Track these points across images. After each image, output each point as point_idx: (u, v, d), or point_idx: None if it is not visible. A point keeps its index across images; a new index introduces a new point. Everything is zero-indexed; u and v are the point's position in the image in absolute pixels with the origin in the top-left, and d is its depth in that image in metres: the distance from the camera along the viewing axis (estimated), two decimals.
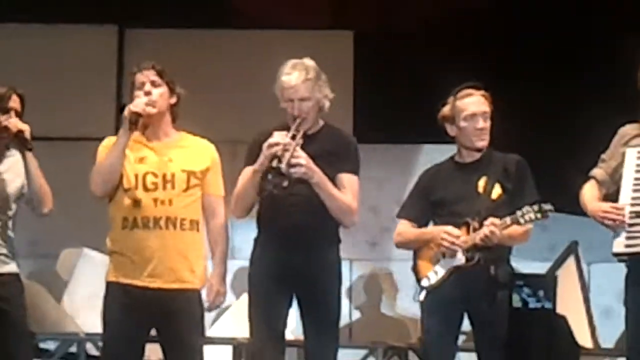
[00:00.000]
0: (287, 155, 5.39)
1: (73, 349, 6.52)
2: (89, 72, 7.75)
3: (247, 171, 5.58)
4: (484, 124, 5.75)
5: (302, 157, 5.43)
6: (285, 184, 5.35)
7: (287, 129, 5.57)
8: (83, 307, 6.50)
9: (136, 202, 5.44)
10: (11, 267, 5.68)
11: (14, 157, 5.76)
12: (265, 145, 5.44)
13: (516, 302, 5.49)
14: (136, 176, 5.48)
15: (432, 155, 6.51)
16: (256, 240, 5.67)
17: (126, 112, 5.43)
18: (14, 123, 5.61)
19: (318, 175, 5.47)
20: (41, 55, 7.67)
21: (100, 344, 6.43)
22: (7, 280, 5.63)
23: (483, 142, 5.74)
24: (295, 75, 5.56)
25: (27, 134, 5.59)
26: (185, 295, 5.45)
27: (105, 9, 7.86)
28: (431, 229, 5.75)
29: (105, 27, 8.01)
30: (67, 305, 6.61)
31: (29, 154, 5.61)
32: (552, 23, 7.35)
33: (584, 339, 6.72)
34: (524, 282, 5.52)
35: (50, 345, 6.54)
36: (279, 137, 5.44)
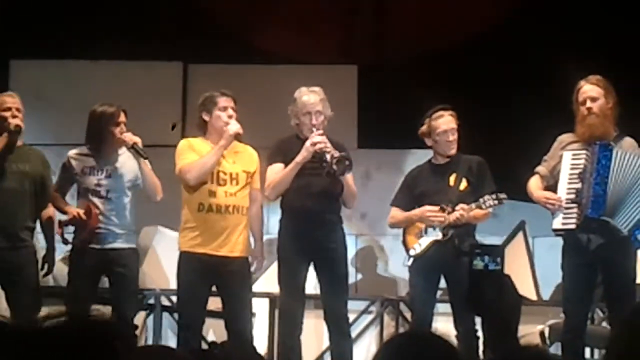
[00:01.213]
0: (329, 149, 5.41)
1: (151, 301, 6.56)
2: (159, 100, 7.70)
3: (279, 166, 5.58)
4: (452, 137, 5.74)
5: (336, 152, 5.50)
6: (347, 163, 5.44)
7: (298, 139, 5.60)
8: (158, 270, 6.50)
9: (212, 193, 5.49)
10: (131, 243, 5.75)
11: (124, 156, 5.75)
12: (309, 142, 5.45)
13: (480, 266, 5.47)
14: (212, 173, 5.51)
15: (417, 157, 6.50)
16: (281, 220, 5.68)
17: (232, 132, 5.47)
18: (129, 137, 5.62)
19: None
20: (120, 86, 7.59)
21: (171, 297, 6.46)
22: (128, 254, 5.69)
23: (453, 151, 5.77)
24: (314, 95, 5.61)
25: (140, 145, 5.61)
26: (240, 261, 5.53)
27: (172, 48, 7.82)
28: (416, 211, 5.74)
29: (173, 64, 7.96)
30: (146, 269, 6.60)
31: (142, 160, 5.62)
32: (513, 56, 7.35)
33: (530, 293, 6.70)
34: (483, 250, 5.50)
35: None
36: (320, 137, 5.46)
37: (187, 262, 5.53)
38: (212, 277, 5.52)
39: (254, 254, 5.64)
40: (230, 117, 5.57)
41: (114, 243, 5.63)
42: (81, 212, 5.61)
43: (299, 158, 5.51)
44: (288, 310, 5.59)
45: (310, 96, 5.63)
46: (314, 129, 5.54)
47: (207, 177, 5.52)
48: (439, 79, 7.07)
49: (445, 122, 5.75)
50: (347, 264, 5.70)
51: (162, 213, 6.40)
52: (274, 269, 5.88)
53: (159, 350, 2.03)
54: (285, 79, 7.81)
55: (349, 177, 5.61)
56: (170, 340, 6.46)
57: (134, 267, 5.70)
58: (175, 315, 6.49)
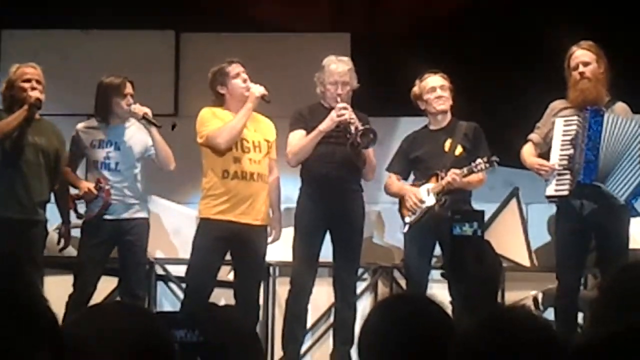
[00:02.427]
0: (354, 121, 5.42)
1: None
2: (152, 69, 7.70)
3: (301, 133, 5.59)
4: (442, 92, 5.74)
5: (359, 123, 5.51)
6: (372, 136, 5.46)
7: (322, 107, 5.60)
8: (153, 239, 6.51)
9: (236, 160, 5.49)
10: (143, 213, 5.75)
11: (132, 128, 5.75)
12: (334, 112, 5.44)
13: (468, 232, 5.48)
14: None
15: (408, 125, 6.54)
16: (301, 189, 5.69)
17: (258, 94, 5.46)
18: (139, 108, 5.62)
19: None
20: (113, 55, 7.58)
21: (166, 265, 6.49)
22: (139, 223, 5.69)
23: (442, 106, 5.75)
24: (342, 64, 5.62)
25: (151, 115, 5.62)
26: (260, 229, 5.56)
27: (164, 17, 7.79)
28: (405, 189, 5.76)
29: (165, 32, 7.95)
30: None
31: (154, 129, 5.63)
32: (506, 25, 7.37)
33: (523, 259, 6.75)
34: (462, 216, 5.51)
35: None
36: (344, 109, 5.47)
37: (207, 229, 5.50)
38: (230, 245, 5.51)
39: (272, 223, 5.65)
40: (245, 81, 5.58)
41: (124, 213, 5.64)
42: (92, 186, 5.62)
43: (322, 126, 5.51)
44: (299, 279, 5.59)
45: (338, 65, 5.63)
46: (339, 99, 5.55)
47: (237, 139, 5.49)
48: (432, 47, 7.07)
49: (433, 80, 5.77)
50: (363, 234, 5.72)
51: (156, 183, 6.41)
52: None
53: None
54: (278, 47, 7.83)
55: (370, 150, 5.61)
56: (165, 308, 6.51)
57: (143, 238, 5.71)
58: (171, 284, 6.55)
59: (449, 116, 5.83)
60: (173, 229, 6.76)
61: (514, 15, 7.41)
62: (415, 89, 5.84)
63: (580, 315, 5.55)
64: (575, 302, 5.36)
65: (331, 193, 5.54)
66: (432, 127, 5.85)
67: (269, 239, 5.65)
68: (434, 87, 5.75)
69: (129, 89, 5.68)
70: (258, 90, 5.51)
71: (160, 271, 6.56)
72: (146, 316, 1.98)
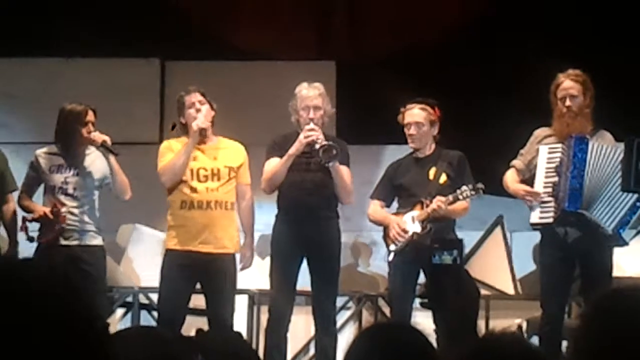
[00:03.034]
0: (320, 141, 5.44)
1: (129, 299, 6.56)
2: (138, 96, 7.70)
3: (275, 161, 5.60)
4: (414, 130, 5.72)
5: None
6: (334, 152, 5.43)
7: (295, 135, 5.62)
8: (136, 268, 6.51)
9: (193, 190, 5.50)
10: (98, 241, 5.73)
11: (92, 155, 5.77)
12: (302, 135, 5.47)
13: (447, 260, 5.48)
14: (191, 171, 5.53)
15: (393, 153, 6.55)
16: (277, 215, 5.68)
17: (195, 128, 5.47)
18: (97, 136, 5.63)
19: (337, 162, 5.53)
20: (97, 83, 7.59)
21: (149, 294, 6.46)
22: (95, 250, 5.68)
23: (413, 145, 5.76)
24: (312, 90, 5.62)
25: (109, 143, 5.62)
26: (225, 258, 5.52)
27: (149, 45, 7.81)
28: (389, 219, 5.72)
29: (150, 61, 7.95)
30: (124, 266, 6.59)
31: (112, 157, 5.64)
32: (490, 53, 7.42)
33: (507, 287, 6.75)
34: (442, 245, 5.50)
35: (114, 295, 6.53)
36: (313, 130, 5.48)
37: (171, 259, 5.53)
38: (196, 275, 5.51)
39: (242, 250, 5.65)
40: (198, 111, 5.59)
41: (80, 240, 5.64)
42: (47, 210, 5.62)
43: (291, 150, 5.52)
44: (277, 308, 5.58)
45: (309, 91, 5.65)
46: (311, 123, 5.57)
47: (181, 176, 5.51)
48: (417, 75, 7.11)
49: (409, 115, 5.77)
50: (340, 262, 5.69)
51: (140, 211, 6.42)
52: (254, 266, 5.89)
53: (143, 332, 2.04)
54: (263, 75, 7.86)
55: (342, 171, 5.57)
56: None
57: (100, 265, 5.70)
58: (154, 313, 6.51)
59: (433, 145, 5.83)
60: (156, 257, 6.72)
61: (498, 43, 7.46)
62: (399, 117, 5.85)
63: (564, 344, 5.54)
64: (560, 331, 5.34)
65: (304, 220, 5.54)
66: (416, 155, 5.85)
67: (239, 266, 5.63)
68: (409, 123, 5.76)
69: (90, 116, 5.70)
70: (196, 124, 5.53)
71: (143, 300, 6.54)
72: (166, 341, 1.98)
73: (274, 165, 5.62)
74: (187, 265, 5.46)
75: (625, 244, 5.36)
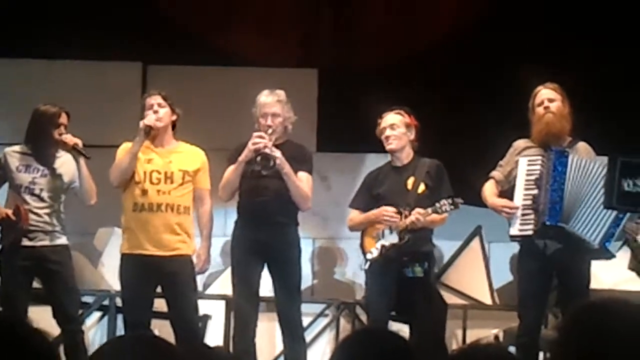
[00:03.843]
0: (267, 149, 5.45)
1: (106, 302, 6.52)
2: (119, 100, 7.67)
3: (232, 167, 5.61)
4: (391, 131, 5.75)
5: (278, 152, 5.52)
6: (271, 164, 5.44)
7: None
8: (113, 271, 6.45)
9: (144, 192, 5.48)
10: (63, 240, 5.70)
11: (62, 158, 5.75)
12: (250, 142, 5.51)
13: (419, 272, 5.51)
14: (145, 173, 5.54)
15: (374, 161, 6.56)
16: (236, 222, 5.70)
17: (141, 125, 5.52)
18: (69, 138, 5.61)
19: (287, 167, 5.54)
20: (79, 86, 7.55)
21: None
22: (60, 250, 5.65)
23: (390, 146, 5.78)
24: (271, 97, 5.65)
25: (80, 146, 5.60)
26: (180, 260, 5.52)
27: (131, 50, 7.78)
28: (373, 212, 5.73)
29: (132, 64, 7.93)
30: (102, 270, 6.57)
31: (82, 160, 5.61)
32: (471, 64, 7.45)
33: (484, 297, 6.77)
34: (411, 257, 5.52)
35: (89, 299, 6.50)
36: (259, 138, 5.52)
37: (127, 263, 5.54)
38: (154, 278, 5.50)
39: (198, 254, 5.62)
40: (155, 112, 5.58)
41: (44, 240, 5.60)
42: (9, 212, 5.58)
43: (241, 157, 5.55)
44: (241, 314, 5.57)
45: (268, 98, 5.67)
46: (269, 131, 5.57)
47: (127, 175, 5.51)
48: (398, 84, 7.13)
49: (386, 119, 5.80)
50: (301, 267, 5.67)
51: (118, 214, 6.37)
52: (229, 271, 5.88)
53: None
54: (245, 81, 7.82)
55: (293, 177, 5.57)
56: None
57: (67, 263, 5.66)
58: None
59: (411, 154, 5.84)
60: None
61: (479, 54, 7.49)
62: (377, 131, 5.87)
63: (541, 355, 5.56)
64: (536, 341, 5.35)
65: (261, 226, 5.55)
66: (394, 164, 5.86)
67: (196, 269, 5.61)
68: (385, 127, 5.78)
69: (63, 119, 5.68)
70: (142, 121, 5.56)
71: (120, 303, 6.48)
72: (165, 348, 1.98)
73: (227, 172, 5.62)
74: (142, 269, 5.46)
75: (612, 256, 5.38)
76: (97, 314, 6.61)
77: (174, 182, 5.55)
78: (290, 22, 8.20)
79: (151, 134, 5.57)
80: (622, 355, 1.87)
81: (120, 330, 6.52)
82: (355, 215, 5.87)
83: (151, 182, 5.52)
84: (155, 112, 5.58)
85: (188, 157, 5.66)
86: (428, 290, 5.60)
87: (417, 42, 7.81)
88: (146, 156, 5.58)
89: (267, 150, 5.46)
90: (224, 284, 6.16)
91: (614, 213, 5.21)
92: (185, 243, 5.54)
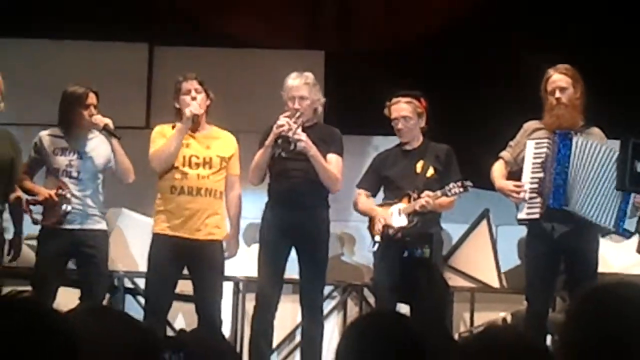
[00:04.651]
0: (291, 132, 5.47)
1: (115, 283, 6.53)
2: (125, 81, 7.71)
3: (260, 151, 5.66)
4: (402, 125, 5.78)
5: (303, 135, 5.53)
6: (291, 148, 5.46)
7: None
8: (122, 252, 6.53)
9: (184, 175, 5.54)
10: (102, 225, 5.75)
11: (96, 139, 5.77)
12: (275, 125, 5.54)
13: (427, 253, 5.53)
14: (183, 157, 5.58)
15: (381, 143, 6.60)
16: (267, 204, 5.73)
17: (188, 114, 5.53)
18: (99, 119, 5.64)
19: (314, 150, 5.56)
20: (84, 66, 7.57)
21: (135, 279, 6.49)
22: (98, 235, 5.70)
23: (402, 139, 5.83)
24: (298, 80, 5.67)
25: (112, 126, 5.64)
26: (213, 245, 5.58)
27: (138, 30, 7.80)
28: (375, 211, 5.76)
29: (138, 45, 7.96)
30: (110, 251, 6.59)
31: (114, 140, 5.65)
32: (480, 47, 7.47)
33: (492, 280, 6.81)
34: (413, 239, 5.55)
35: None
36: (284, 120, 5.55)
37: (158, 243, 5.58)
38: (184, 260, 5.56)
39: (228, 240, 5.69)
40: (193, 99, 5.62)
41: (84, 224, 5.64)
42: (52, 193, 5.62)
43: (267, 141, 5.58)
44: (264, 295, 5.61)
45: (295, 81, 5.70)
46: (297, 114, 5.59)
47: (172, 162, 5.57)
48: (405, 66, 7.15)
49: (395, 109, 5.82)
50: (328, 250, 5.71)
51: (127, 195, 6.43)
52: (240, 253, 5.93)
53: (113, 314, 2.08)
54: (251, 63, 7.88)
55: (320, 159, 5.57)
56: None
57: (103, 249, 5.71)
58: (139, 298, 6.54)
59: (420, 137, 5.87)
60: (142, 242, 6.74)
61: (488, 36, 7.50)
62: (386, 111, 5.89)
63: (548, 338, 5.60)
64: (544, 324, 5.39)
65: (292, 209, 5.59)
66: (404, 148, 5.89)
67: (225, 254, 5.67)
68: (396, 118, 5.80)
69: (92, 99, 5.70)
70: (188, 110, 5.57)
71: (128, 284, 6.56)
72: (143, 328, 2.03)
73: (256, 156, 5.67)
74: (174, 251, 5.52)
75: (631, 234, 5.41)
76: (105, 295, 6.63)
77: (212, 167, 5.63)
78: (297, 3, 8.22)
79: (195, 120, 5.61)
80: (630, 339, 1.90)
81: (128, 311, 6.58)
82: (361, 199, 5.91)
83: (190, 167, 5.58)
84: (193, 98, 5.61)
85: (224, 143, 5.74)
86: (431, 272, 5.63)
87: (425, 24, 7.82)
88: (184, 141, 5.64)
89: (289, 133, 5.48)
90: (232, 266, 6.18)
91: (620, 193, 5.24)
92: (219, 228, 5.62)
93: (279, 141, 5.48)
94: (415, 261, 5.57)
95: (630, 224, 5.41)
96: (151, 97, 7.90)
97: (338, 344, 2.23)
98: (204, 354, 2.36)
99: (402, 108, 5.79)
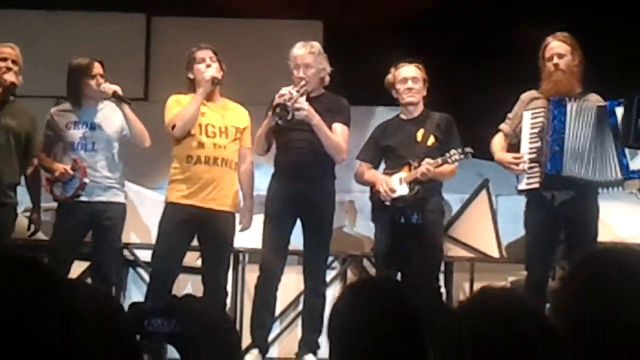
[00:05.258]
0: (291, 101, 5.48)
1: None
2: (123, 52, 7.71)
3: (265, 121, 5.67)
4: (413, 84, 5.81)
5: (305, 104, 5.54)
6: (289, 117, 5.44)
7: None
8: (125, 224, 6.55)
9: (200, 144, 5.56)
10: (121, 198, 5.78)
11: (106, 109, 5.79)
12: (276, 95, 5.56)
13: (411, 220, 5.55)
14: (199, 125, 5.59)
15: (382, 114, 6.62)
16: (273, 175, 5.75)
17: (207, 77, 5.54)
18: (107, 87, 5.67)
19: (317, 119, 5.56)
20: (81, 37, 7.58)
21: (135, 250, 6.49)
22: (116, 207, 5.72)
23: (411, 99, 5.82)
24: (303, 49, 5.67)
25: (121, 92, 5.66)
26: (226, 216, 5.62)
27: (135, 1, 7.81)
28: (377, 177, 5.79)
29: (135, 15, 7.95)
30: None
31: (125, 106, 5.66)
32: (479, 18, 7.47)
33: (492, 250, 6.86)
34: (404, 204, 5.58)
35: None
36: (286, 89, 5.56)
37: (171, 212, 5.59)
38: (195, 228, 5.58)
39: (242, 211, 5.72)
40: (208, 66, 5.64)
41: (102, 196, 5.67)
42: (68, 167, 5.66)
43: (270, 112, 5.60)
44: (268, 265, 5.62)
45: (300, 50, 5.70)
46: (302, 82, 5.60)
47: (191, 127, 5.58)
48: (404, 37, 7.15)
49: (406, 70, 5.84)
50: (332, 222, 5.73)
51: (126, 168, 6.44)
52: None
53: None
54: (250, 33, 7.88)
55: (324, 129, 5.57)
56: (134, 294, 6.55)
57: (119, 223, 5.74)
58: (139, 270, 6.59)
59: (421, 107, 5.90)
60: (144, 215, 6.80)
61: (486, 7, 7.50)
62: (389, 77, 5.91)
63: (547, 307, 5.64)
64: (544, 294, 5.40)
65: (297, 179, 5.60)
66: (404, 117, 5.91)
67: (238, 227, 5.70)
68: (406, 78, 5.83)
69: (97, 69, 5.73)
70: (207, 73, 5.60)
71: (130, 256, 6.59)
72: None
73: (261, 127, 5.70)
74: (187, 220, 5.53)
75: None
76: None
77: (228, 136, 5.65)
78: None
79: (216, 84, 5.62)
80: (623, 304, 1.90)
81: (129, 283, 6.64)
82: (363, 170, 5.94)
83: (207, 135, 5.60)
84: (208, 66, 5.63)
85: (238, 114, 5.76)
86: (423, 238, 5.64)
87: None
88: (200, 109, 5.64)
89: (289, 102, 5.49)
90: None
91: (615, 147, 5.25)
92: (233, 200, 5.64)
93: (278, 110, 5.48)
94: (408, 227, 5.59)
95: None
96: (149, 69, 7.90)
97: (334, 304, 2.27)
98: (196, 322, 2.38)
99: (412, 70, 5.83)
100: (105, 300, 2.04)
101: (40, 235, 5.98)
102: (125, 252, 6.52)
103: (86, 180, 5.64)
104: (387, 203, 5.70)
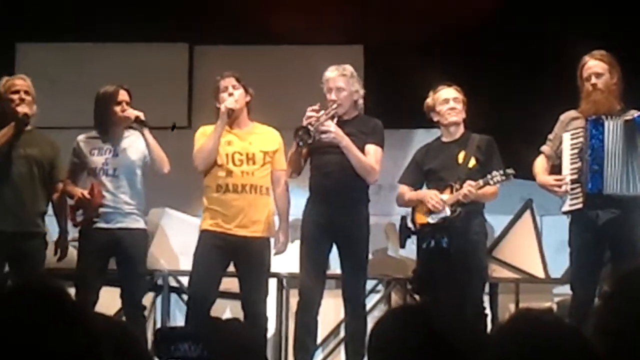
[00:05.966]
0: (317, 124, 5.48)
1: (159, 282, 6.66)
2: (166, 81, 7.79)
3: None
4: (454, 104, 5.79)
5: (332, 126, 5.54)
6: (310, 140, 5.45)
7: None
8: (165, 251, 6.60)
9: (229, 173, 5.60)
10: (141, 224, 5.78)
11: (131, 137, 5.84)
12: (303, 118, 5.57)
13: (445, 244, 5.50)
14: (226, 155, 5.63)
15: (422, 137, 6.62)
16: (308, 199, 5.75)
17: (223, 109, 5.57)
18: (130, 112, 5.73)
19: (345, 141, 5.55)
20: (126, 68, 7.68)
21: (179, 278, 6.57)
22: (137, 234, 5.74)
23: (454, 118, 5.80)
24: (335, 72, 5.69)
25: (143, 117, 5.72)
26: (260, 242, 5.62)
27: (178, 30, 7.90)
28: (422, 192, 5.79)
29: (178, 45, 8.05)
30: (154, 250, 6.70)
31: (147, 132, 5.71)
32: (520, 37, 7.45)
33: (537, 271, 6.80)
34: (432, 229, 5.53)
35: None
36: (312, 112, 5.56)
37: (205, 239, 5.63)
38: (230, 257, 5.61)
39: (277, 234, 5.73)
40: (230, 95, 5.69)
41: (122, 222, 5.70)
42: (85, 192, 5.70)
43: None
44: (306, 291, 5.61)
45: (332, 73, 5.73)
46: (334, 105, 5.61)
47: (213, 159, 5.62)
48: (445, 59, 7.14)
49: (446, 92, 5.83)
50: (368, 245, 5.70)
51: (170, 195, 6.52)
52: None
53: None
54: (291, 59, 7.93)
55: (354, 150, 5.56)
56: (178, 320, 6.58)
57: (142, 248, 5.76)
58: (184, 296, 6.62)
59: (462, 128, 5.88)
60: (185, 241, 6.84)
61: (528, 26, 7.48)
62: (429, 101, 5.90)
63: None
64: (589, 314, 5.37)
65: (330, 205, 5.60)
66: (444, 139, 5.90)
67: (274, 251, 5.72)
68: (447, 99, 5.82)
69: (122, 96, 5.79)
70: (224, 105, 5.63)
71: (173, 283, 6.65)
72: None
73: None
74: (221, 247, 5.56)
75: None
76: (150, 294, 6.73)
77: (256, 163, 5.66)
78: None
79: (232, 115, 5.66)
80: None
81: (174, 310, 6.69)
82: (404, 191, 5.92)
83: (234, 164, 5.63)
84: (231, 94, 5.67)
85: (266, 137, 5.77)
86: (447, 262, 5.59)
87: (465, 15, 7.81)
88: (225, 139, 5.68)
89: (309, 126, 5.50)
90: (276, 262, 6.23)
91: None
92: (267, 225, 5.65)
93: (300, 132, 5.49)
94: (437, 251, 5.55)
95: None
96: (192, 97, 7.99)
97: (375, 324, 2.26)
98: (224, 346, 2.37)
99: (452, 91, 5.82)
100: (122, 331, 2.05)
101: (70, 261, 6.00)
102: (170, 279, 6.57)
103: (100, 204, 5.65)
104: (432, 220, 5.66)
